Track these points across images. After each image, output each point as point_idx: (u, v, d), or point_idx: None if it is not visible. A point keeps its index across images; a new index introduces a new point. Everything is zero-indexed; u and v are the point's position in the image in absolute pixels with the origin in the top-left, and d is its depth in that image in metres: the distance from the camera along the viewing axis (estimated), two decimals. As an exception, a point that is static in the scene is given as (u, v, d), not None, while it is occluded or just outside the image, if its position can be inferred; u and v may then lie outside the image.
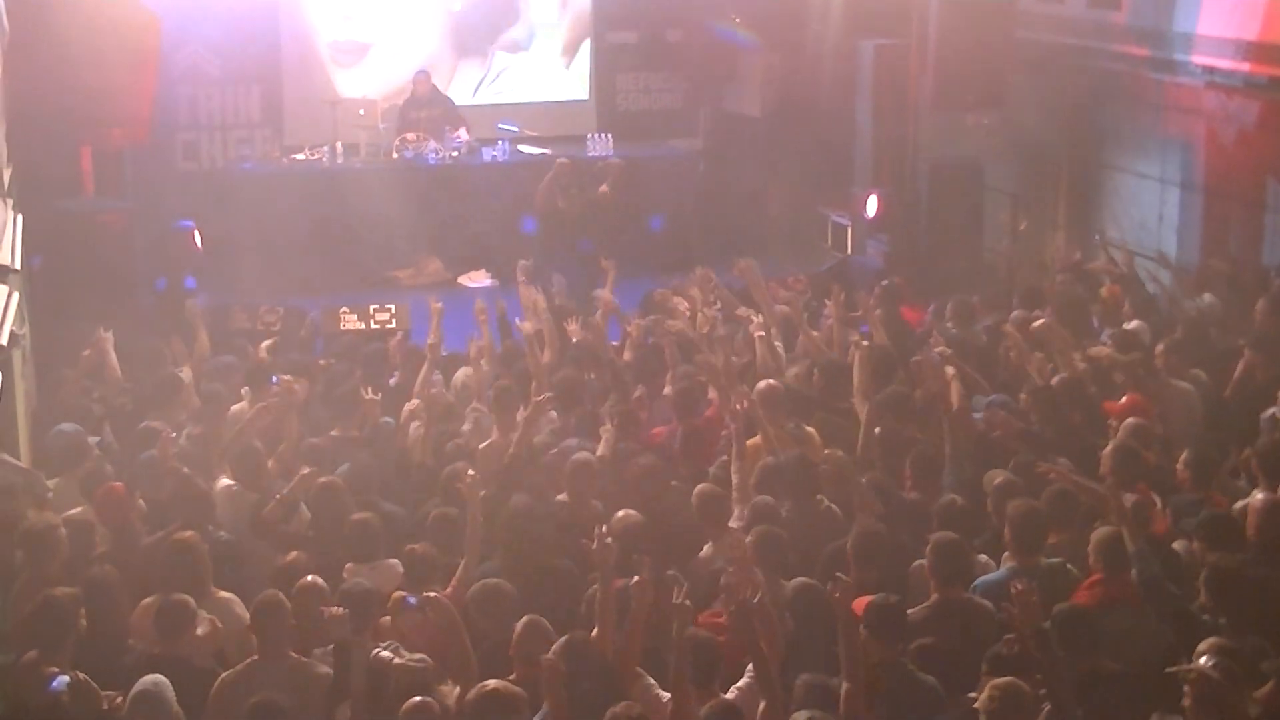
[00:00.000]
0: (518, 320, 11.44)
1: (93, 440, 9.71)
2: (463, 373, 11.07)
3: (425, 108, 17.76)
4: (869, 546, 7.60)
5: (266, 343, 12.12)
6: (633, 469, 8.85)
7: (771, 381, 9.83)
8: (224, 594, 7.65)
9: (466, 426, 10.06)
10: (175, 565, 7.51)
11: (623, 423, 9.56)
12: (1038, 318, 11.47)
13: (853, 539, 7.67)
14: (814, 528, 8.33)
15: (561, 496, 8.72)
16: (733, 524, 8.24)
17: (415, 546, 7.68)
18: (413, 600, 6.96)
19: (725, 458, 9.00)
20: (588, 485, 8.63)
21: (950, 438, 8.86)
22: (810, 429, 9.59)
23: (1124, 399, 9.72)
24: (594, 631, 6.87)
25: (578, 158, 16.74)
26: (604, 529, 7.19)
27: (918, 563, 7.62)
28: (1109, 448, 8.60)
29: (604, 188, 14.18)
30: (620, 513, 8.16)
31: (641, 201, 16.66)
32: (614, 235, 14.74)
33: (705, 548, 8.17)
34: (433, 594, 6.92)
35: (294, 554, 7.90)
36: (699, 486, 8.46)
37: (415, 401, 10.21)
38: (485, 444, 9.73)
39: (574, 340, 11.65)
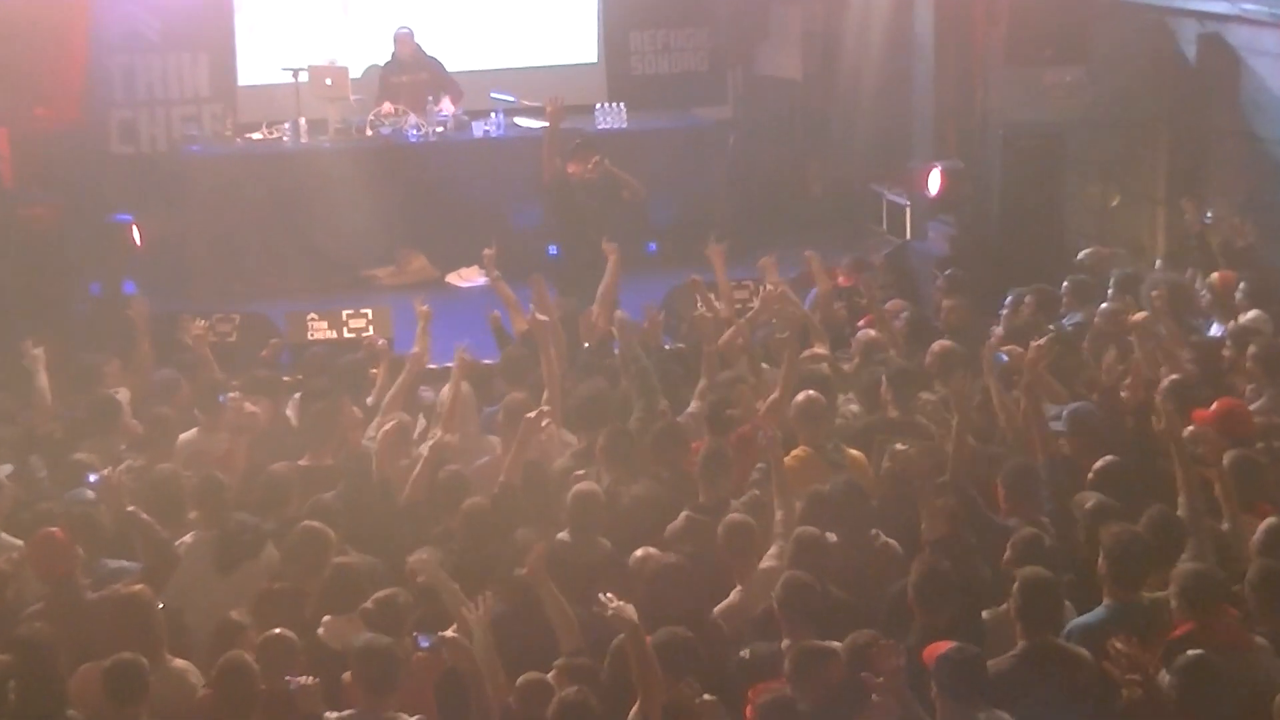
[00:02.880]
0: (528, 311, 11.44)
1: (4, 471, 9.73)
2: (448, 390, 11.06)
3: (408, 72, 17.77)
4: (934, 587, 7.57)
5: (198, 328, 12.04)
6: (624, 501, 8.91)
7: (813, 393, 9.82)
8: (180, 662, 7.66)
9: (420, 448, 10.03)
10: (123, 625, 7.51)
11: (660, 442, 9.56)
12: (1131, 310, 11.46)
13: (914, 579, 7.64)
14: (869, 567, 8.33)
15: (563, 535, 8.74)
16: (769, 562, 8.26)
17: (385, 592, 7.70)
18: (425, 642, 6.97)
19: (756, 491, 9.03)
20: (593, 519, 8.61)
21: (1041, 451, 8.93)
22: (856, 452, 9.61)
23: (1214, 405, 9.70)
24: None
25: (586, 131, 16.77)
26: (608, 595, 7.17)
27: (995, 609, 7.64)
28: (1227, 460, 8.58)
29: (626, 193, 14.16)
30: (641, 551, 8.19)
31: (660, 181, 16.64)
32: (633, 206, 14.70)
33: (734, 592, 8.17)
34: (449, 633, 6.94)
35: (277, 585, 7.93)
36: (727, 518, 8.47)
37: (389, 422, 10.16)
38: (482, 462, 9.77)
39: (585, 345, 11.64)
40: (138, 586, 7.83)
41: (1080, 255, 13.87)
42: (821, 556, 7.98)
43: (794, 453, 9.45)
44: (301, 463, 9.90)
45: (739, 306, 13.18)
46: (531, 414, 9.48)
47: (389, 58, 17.99)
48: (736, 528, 8.34)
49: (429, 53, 18.03)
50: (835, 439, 9.78)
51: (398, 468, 9.55)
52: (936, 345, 11.02)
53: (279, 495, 9.14)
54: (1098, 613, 7.58)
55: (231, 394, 10.31)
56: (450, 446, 9.79)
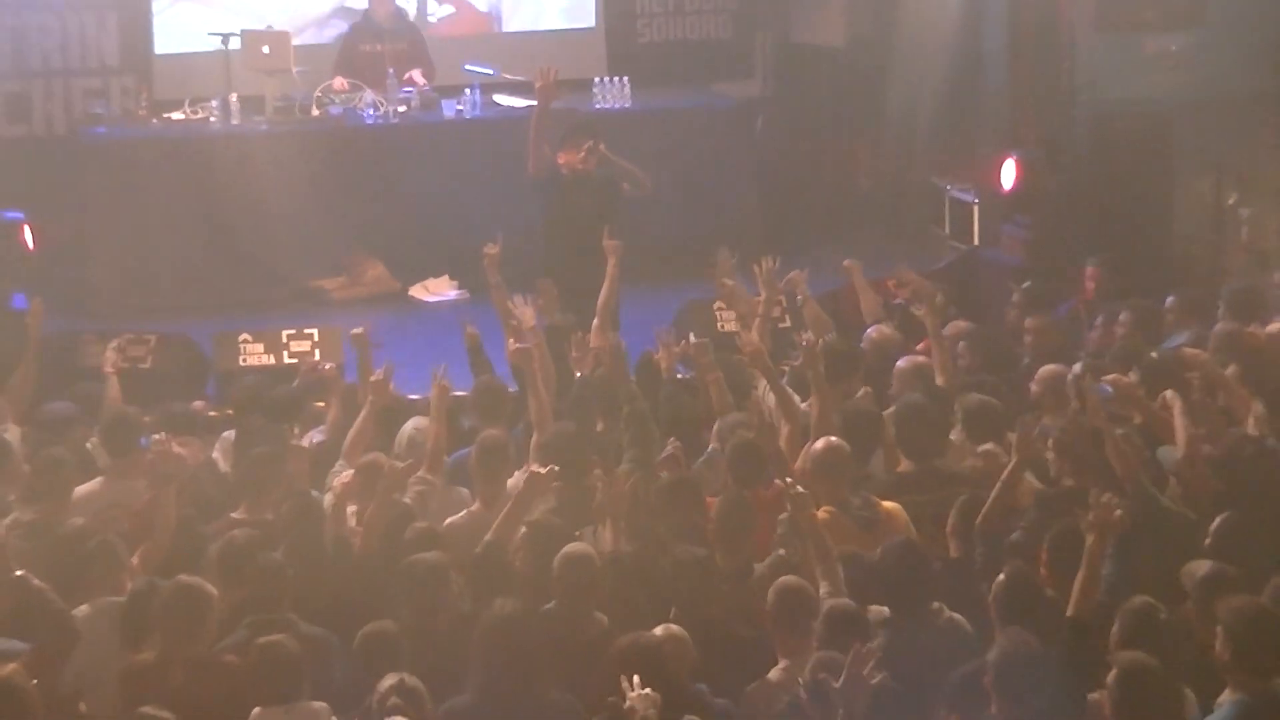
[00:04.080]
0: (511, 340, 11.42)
1: None
2: (412, 425, 11.03)
3: (386, 39, 17.81)
4: (1017, 673, 7.56)
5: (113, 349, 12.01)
6: (667, 561, 8.88)
7: (832, 440, 9.86)
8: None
9: (406, 498, 10.07)
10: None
11: (670, 498, 9.55)
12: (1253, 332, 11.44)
13: (994, 661, 7.64)
14: (929, 650, 8.34)
15: (550, 606, 8.73)
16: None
17: (393, 679, 7.72)
18: None
19: (781, 551, 9.10)
20: (584, 588, 8.61)
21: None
22: (891, 505, 9.66)
23: None
24: None
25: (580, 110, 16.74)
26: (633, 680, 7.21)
27: (1093, 696, 7.59)
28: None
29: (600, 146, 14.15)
30: (659, 629, 8.18)
31: (672, 173, 16.63)
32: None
33: (776, 668, 8.22)
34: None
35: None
36: (780, 580, 8.49)
37: (347, 471, 10.20)
38: (456, 518, 9.75)
39: (578, 375, 11.62)
40: (9, 668, 7.78)
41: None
42: (861, 636, 7.98)
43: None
44: (235, 516, 9.90)
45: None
46: (543, 469, 9.50)
47: (359, 18, 18.04)
48: (790, 592, 8.36)
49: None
50: (864, 492, 9.82)
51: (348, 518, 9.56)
52: (1045, 371, 11.04)
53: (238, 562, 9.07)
54: (1225, 711, 7.51)
55: (156, 435, 10.26)
56: (423, 487, 9.79)
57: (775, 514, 9.50)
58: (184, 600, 8.40)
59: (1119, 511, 8.35)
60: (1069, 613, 8.22)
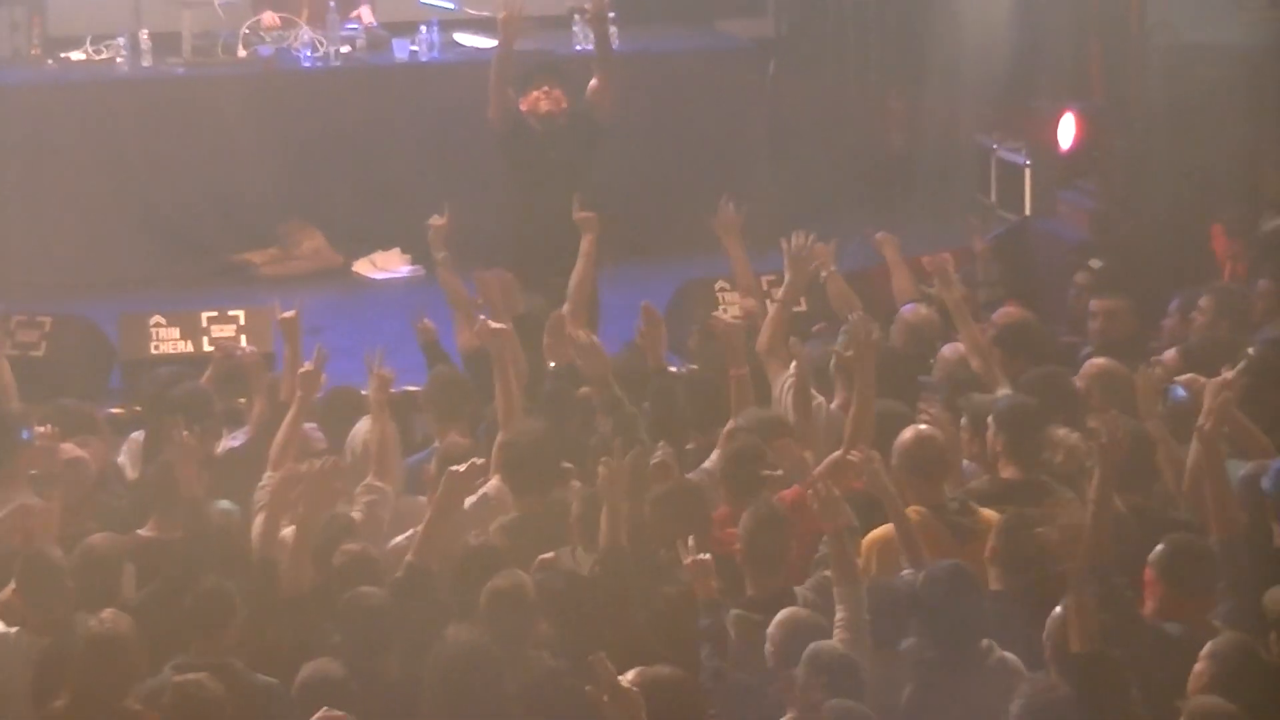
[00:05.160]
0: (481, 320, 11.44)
1: None
2: (364, 424, 11.04)
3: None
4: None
5: None
6: (664, 596, 8.88)
7: (922, 428, 9.94)
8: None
9: (356, 513, 10.07)
10: None
11: (668, 510, 9.54)
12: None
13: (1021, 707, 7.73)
14: (976, 696, 8.36)
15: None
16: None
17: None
18: None
19: (825, 572, 9.07)
20: (513, 616, 8.62)
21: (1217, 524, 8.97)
22: (991, 513, 9.66)
23: None
24: None
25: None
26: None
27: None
28: None
29: (594, 83, 14.14)
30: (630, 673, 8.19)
31: (668, 127, 16.64)
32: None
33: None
34: None
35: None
36: (785, 612, 8.53)
37: (273, 475, 10.22)
38: (404, 539, 9.73)
39: (550, 365, 11.63)
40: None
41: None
42: (847, 679, 8.08)
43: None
44: (142, 533, 9.89)
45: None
46: (460, 466, 9.46)
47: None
48: (798, 628, 8.42)
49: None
50: (962, 496, 9.88)
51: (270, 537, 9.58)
52: (1093, 366, 11.07)
53: (95, 579, 9.10)
54: None
55: (41, 429, 10.25)
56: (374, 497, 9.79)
57: (803, 525, 9.52)
58: (96, 652, 8.38)
59: None
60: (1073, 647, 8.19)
